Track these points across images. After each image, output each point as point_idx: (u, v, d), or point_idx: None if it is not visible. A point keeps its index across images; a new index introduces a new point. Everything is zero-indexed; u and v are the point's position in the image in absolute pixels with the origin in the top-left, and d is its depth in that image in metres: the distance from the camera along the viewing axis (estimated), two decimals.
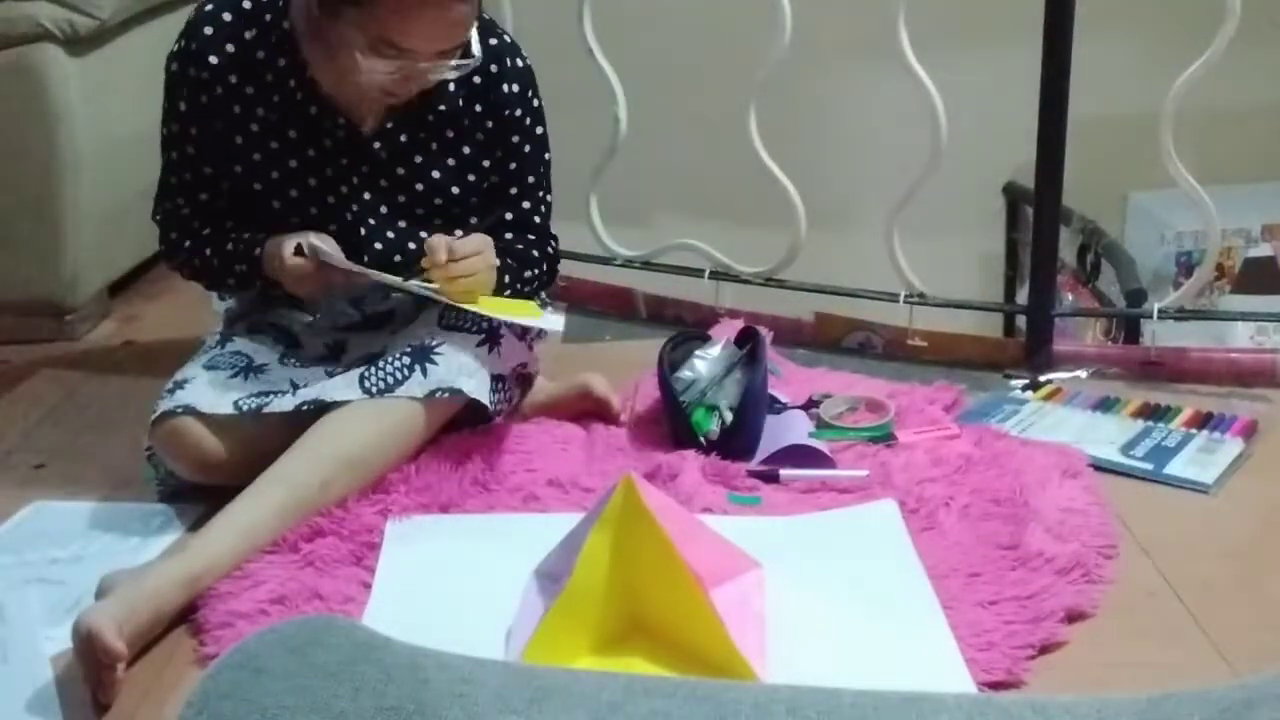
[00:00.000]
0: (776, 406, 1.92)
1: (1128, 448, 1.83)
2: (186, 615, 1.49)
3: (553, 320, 1.87)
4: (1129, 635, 1.45)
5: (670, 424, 1.87)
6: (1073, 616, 1.46)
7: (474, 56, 1.70)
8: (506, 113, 1.82)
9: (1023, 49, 2.09)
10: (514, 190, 1.88)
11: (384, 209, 1.82)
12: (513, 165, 1.86)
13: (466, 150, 1.83)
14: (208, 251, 1.84)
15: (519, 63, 1.83)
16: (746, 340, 1.97)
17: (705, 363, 1.92)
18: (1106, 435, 1.86)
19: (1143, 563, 1.58)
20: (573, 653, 1.36)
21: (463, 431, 1.81)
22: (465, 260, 1.70)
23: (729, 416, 1.84)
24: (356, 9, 1.60)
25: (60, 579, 1.59)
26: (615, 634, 1.39)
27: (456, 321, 1.76)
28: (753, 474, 1.76)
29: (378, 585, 1.53)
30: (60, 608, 1.52)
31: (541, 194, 1.91)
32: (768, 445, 1.82)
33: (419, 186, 1.83)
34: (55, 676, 1.40)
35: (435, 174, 1.83)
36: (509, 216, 1.88)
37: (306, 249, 1.72)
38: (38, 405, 2.14)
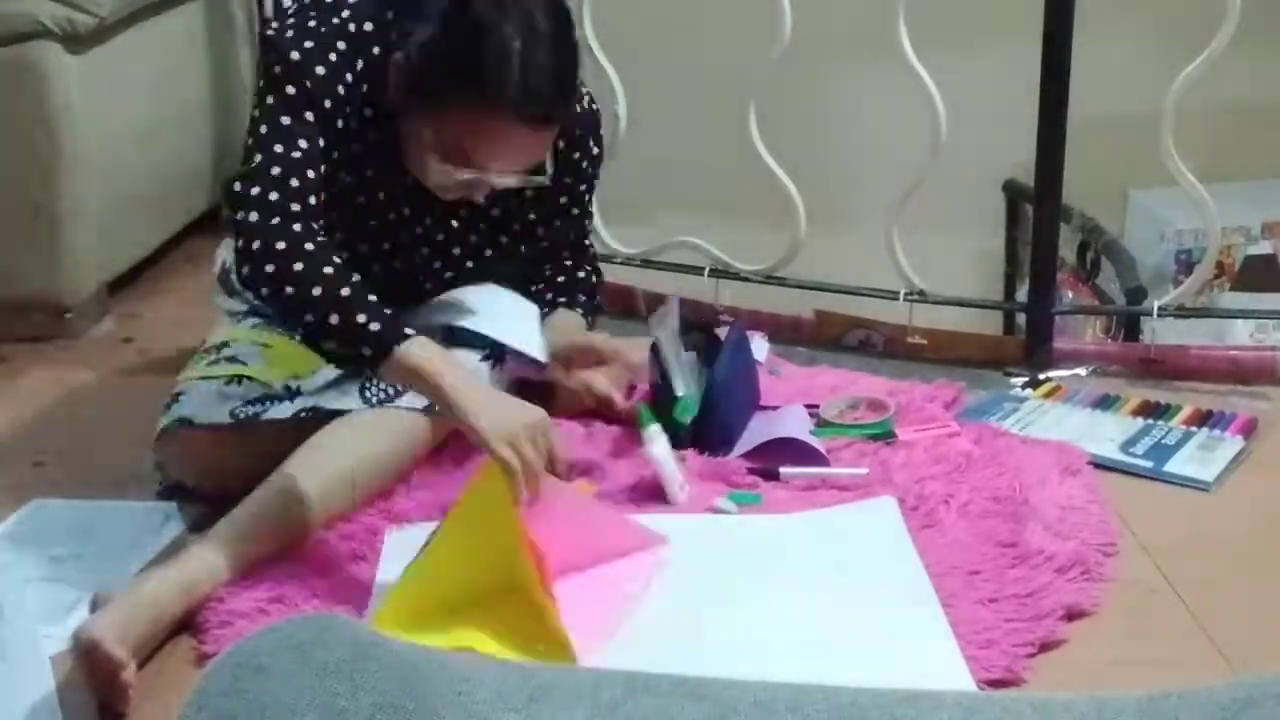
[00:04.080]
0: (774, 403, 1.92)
1: (1128, 445, 1.83)
2: (185, 624, 1.48)
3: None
4: (1129, 633, 1.45)
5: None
6: (1072, 614, 1.46)
7: (545, 175, 1.70)
8: (575, 154, 1.88)
9: (1023, 47, 2.09)
10: (576, 239, 1.98)
11: (440, 235, 1.84)
12: (563, 199, 1.90)
13: (531, 216, 1.88)
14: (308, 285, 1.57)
15: (583, 105, 1.86)
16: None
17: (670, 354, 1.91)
18: (1106, 433, 1.86)
19: (1142, 561, 1.58)
20: (418, 624, 1.37)
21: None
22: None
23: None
24: (440, 114, 1.60)
25: (60, 577, 1.59)
26: (460, 607, 1.42)
27: (461, 338, 1.76)
28: (753, 471, 1.77)
29: (378, 593, 1.52)
30: (60, 606, 1.52)
31: (589, 224, 2.02)
32: (757, 438, 1.82)
33: (486, 253, 1.88)
34: (55, 675, 1.40)
35: (503, 238, 1.88)
36: (570, 261, 1.97)
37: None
38: (37, 403, 2.14)
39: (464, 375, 1.52)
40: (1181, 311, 2.18)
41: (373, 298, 1.54)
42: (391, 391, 1.68)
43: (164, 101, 2.59)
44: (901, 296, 2.22)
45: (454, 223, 1.84)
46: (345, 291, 1.53)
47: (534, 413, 1.48)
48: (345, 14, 1.68)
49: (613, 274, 2.49)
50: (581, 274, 2.00)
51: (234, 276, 1.80)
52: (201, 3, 2.74)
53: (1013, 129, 2.23)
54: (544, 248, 1.94)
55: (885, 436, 1.84)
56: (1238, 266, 2.88)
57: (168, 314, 2.48)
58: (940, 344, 2.22)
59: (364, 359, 1.52)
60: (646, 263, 2.45)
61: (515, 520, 1.40)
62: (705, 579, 1.53)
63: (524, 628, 1.39)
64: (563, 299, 1.95)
